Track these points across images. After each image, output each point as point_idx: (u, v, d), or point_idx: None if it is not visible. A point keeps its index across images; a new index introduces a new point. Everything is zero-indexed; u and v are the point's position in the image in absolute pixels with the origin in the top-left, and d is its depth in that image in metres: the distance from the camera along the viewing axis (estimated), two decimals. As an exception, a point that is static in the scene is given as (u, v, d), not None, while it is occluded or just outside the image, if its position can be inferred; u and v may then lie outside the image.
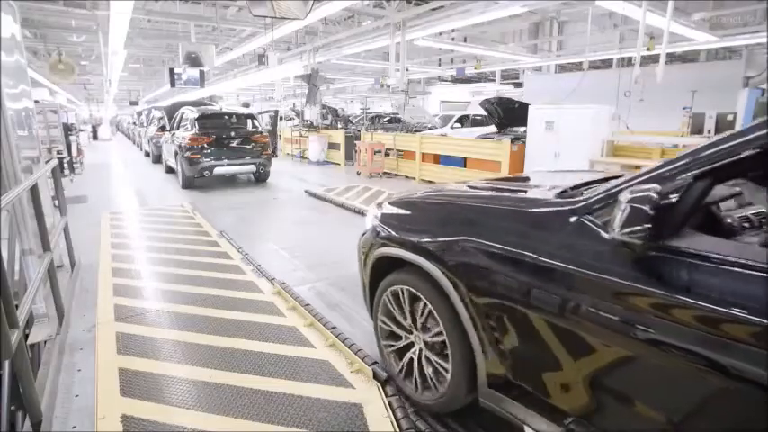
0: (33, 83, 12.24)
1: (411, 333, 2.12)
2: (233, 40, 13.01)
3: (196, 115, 8.36)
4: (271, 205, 7.11)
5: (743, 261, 1.07)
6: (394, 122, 15.65)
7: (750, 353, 0.99)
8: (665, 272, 1.19)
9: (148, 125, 14.15)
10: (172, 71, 10.72)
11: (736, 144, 1.16)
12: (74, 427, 1.98)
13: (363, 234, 2.40)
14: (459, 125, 13.59)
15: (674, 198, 1.21)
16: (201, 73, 10.97)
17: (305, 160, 12.73)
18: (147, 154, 13.41)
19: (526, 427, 1.63)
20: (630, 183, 1.33)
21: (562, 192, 1.71)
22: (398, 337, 2.19)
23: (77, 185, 8.38)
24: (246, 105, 26.03)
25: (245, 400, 2.07)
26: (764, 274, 1.02)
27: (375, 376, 2.21)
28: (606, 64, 13.34)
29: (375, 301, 2.30)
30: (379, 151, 9.77)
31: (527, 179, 2.43)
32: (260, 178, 8.89)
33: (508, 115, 9.14)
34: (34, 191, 2.67)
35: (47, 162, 3.62)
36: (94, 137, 21.86)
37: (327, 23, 11.16)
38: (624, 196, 1.23)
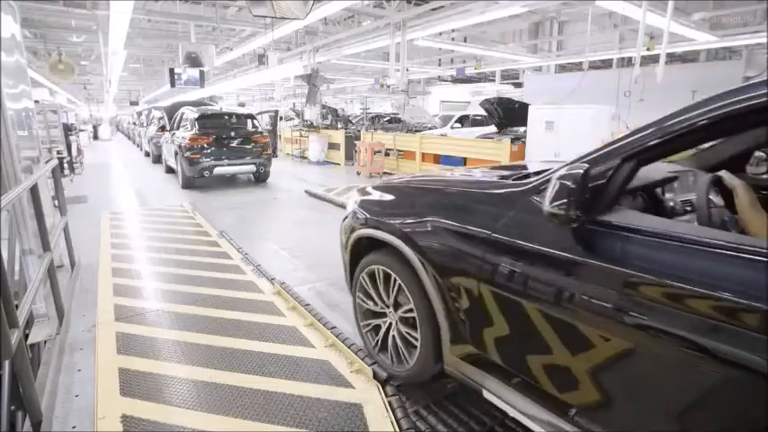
0: (33, 83, 12.24)
1: (386, 310, 2.28)
2: (233, 40, 13.02)
3: (196, 115, 8.36)
4: (271, 205, 7.11)
5: (664, 233, 1.24)
6: (394, 122, 15.65)
7: (664, 312, 1.16)
8: (598, 242, 1.36)
9: (148, 125, 14.15)
10: (172, 71, 10.73)
11: (654, 131, 1.33)
12: (74, 427, 1.98)
13: (345, 218, 2.56)
14: (459, 125, 13.59)
15: (604, 179, 1.39)
16: (201, 73, 10.97)
17: (305, 160, 12.73)
18: (147, 154, 13.41)
19: (484, 391, 1.81)
20: (567, 165, 1.47)
21: (524, 176, 1.84)
22: (374, 314, 2.36)
23: (77, 185, 8.38)
24: (242, 105, 26.06)
25: (245, 400, 2.07)
26: (682, 244, 1.19)
27: (375, 376, 2.21)
28: (606, 64, 13.34)
29: (354, 280, 2.46)
30: (379, 151, 9.77)
31: (520, 167, 2.49)
32: (260, 178, 8.89)
33: (508, 115, 9.15)
34: (34, 191, 2.67)
35: (47, 162, 3.62)
36: (95, 137, 21.87)
37: (327, 23, 11.16)
38: (555, 175, 1.41)
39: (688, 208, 1.75)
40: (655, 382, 1.23)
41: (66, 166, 8.61)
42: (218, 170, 8.09)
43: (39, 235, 2.82)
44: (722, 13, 9.10)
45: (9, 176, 2.76)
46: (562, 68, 15.11)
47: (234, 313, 2.96)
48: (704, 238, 1.17)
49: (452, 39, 12.01)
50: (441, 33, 10.43)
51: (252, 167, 8.47)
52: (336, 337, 2.57)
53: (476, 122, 13.56)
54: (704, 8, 8.91)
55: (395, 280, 2.13)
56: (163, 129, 10.91)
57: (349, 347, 2.45)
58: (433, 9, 8.19)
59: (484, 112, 10.13)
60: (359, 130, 12.08)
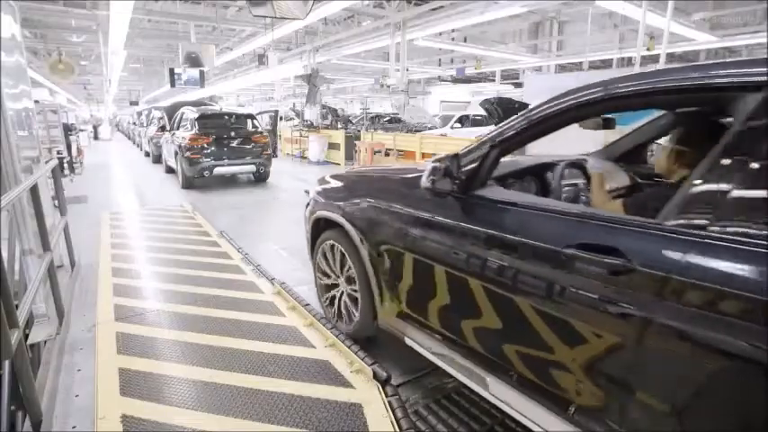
0: (33, 83, 12.24)
1: (338, 281, 2.72)
2: (233, 40, 13.03)
3: (196, 115, 8.36)
4: (271, 205, 7.11)
5: (516, 202, 1.66)
6: (394, 122, 15.65)
7: (519, 257, 1.55)
8: (473, 211, 1.78)
9: (148, 125, 14.15)
10: (172, 71, 10.73)
11: (508, 126, 1.76)
12: (74, 427, 1.98)
13: (307, 204, 2.95)
14: (459, 125, 13.59)
15: (477, 163, 1.79)
16: (201, 73, 10.98)
17: (305, 160, 12.74)
18: (147, 154, 13.40)
19: (406, 338, 2.24)
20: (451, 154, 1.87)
21: None
22: (330, 288, 2.82)
23: (77, 185, 8.38)
24: (240, 106, 26.06)
25: (245, 400, 2.07)
26: (527, 210, 1.60)
27: (375, 376, 2.21)
28: (606, 64, 13.34)
29: (314, 257, 2.90)
30: (379, 151, 9.78)
31: None
32: (260, 178, 8.89)
33: (508, 115, 9.09)
34: (34, 191, 2.67)
35: (47, 162, 3.62)
36: (95, 137, 21.89)
37: (327, 23, 11.17)
38: (431, 160, 1.89)
39: (568, 188, 2.21)
40: (511, 305, 1.60)
41: (66, 166, 8.61)
42: (218, 170, 8.09)
43: (39, 235, 2.82)
44: (722, 13, 9.10)
45: (9, 176, 2.76)
46: (562, 68, 15.11)
47: (234, 313, 2.96)
48: (541, 205, 1.60)
49: (452, 39, 12.03)
50: (441, 33, 10.44)
51: (252, 167, 8.47)
52: (336, 337, 2.57)
53: (476, 122, 13.56)
54: (704, 8, 8.92)
55: (342, 252, 2.57)
56: (163, 129, 10.90)
57: (349, 347, 2.45)
58: (433, 9, 8.20)
59: (484, 112, 10.12)
60: (359, 130, 12.09)
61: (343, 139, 11.66)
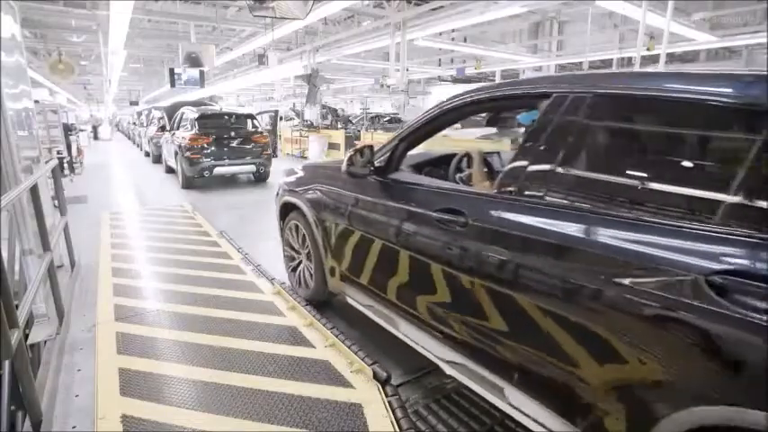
0: (33, 83, 12.24)
1: (299, 254, 3.24)
2: (233, 40, 13.03)
3: (196, 115, 8.36)
4: (271, 205, 7.06)
5: (416, 182, 2.18)
6: (394, 122, 15.65)
7: (419, 225, 2.01)
8: (387, 189, 2.29)
9: (148, 125, 14.15)
10: (172, 71, 10.73)
11: (410, 125, 2.28)
12: (74, 427, 1.98)
13: (277, 192, 3.43)
14: (459, 125, 13.57)
15: (390, 152, 2.33)
16: (201, 73, 10.98)
17: (305, 160, 12.75)
18: (147, 154, 13.40)
19: (347, 297, 2.74)
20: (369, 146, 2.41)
21: None
22: (293, 259, 3.36)
23: (77, 185, 8.38)
24: (240, 106, 26.04)
25: (246, 400, 2.07)
26: (423, 189, 2.10)
27: (375, 376, 2.21)
28: (606, 64, 13.34)
29: (282, 235, 3.43)
30: (379, 151, 9.76)
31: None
32: (260, 178, 8.89)
33: (509, 115, 9.13)
34: (34, 191, 2.67)
35: (47, 162, 3.62)
36: (95, 137, 21.89)
37: (327, 23, 11.17)
38: (350, 150, 2.36)
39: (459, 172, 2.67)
40: (410, 259, 2.10)
41: (66, 166, 8.61)
42: (218, 170, 8.09)
43: (39, 235, 2.82)
44: (722, 13, 9.10)
45: (9, 176, 2.76)
46: (562, 68, 15.10)
47: (234, 313, 2.96)
48: (427, 184, 2.13)
49: (452, 39, 12.03)
50: (441, 33, 10.44)
51: (252, 167, 8.47)
52: (336, 336, 2.57)
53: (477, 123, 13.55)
54: (704, 8, 8.92)
55: (300, 229, 3.11)
56: (163, 129, 10.90)
57: (349, 347, 2.45)
58: (433, 9, 8.20)
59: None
60: (359, 130, 12.08)
61: (343, 139, 11.66)
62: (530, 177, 1.62)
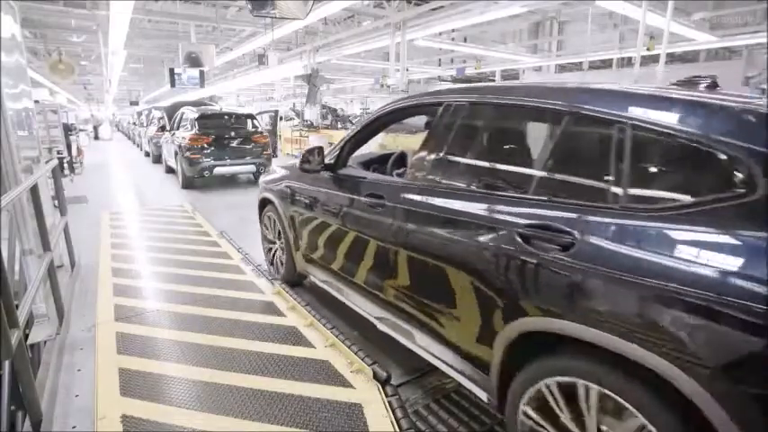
0: (33, 83, 12.23)
1: (275, 243, 3.66)
2: (233, 40, 13.02)
3: (196, 115, 8.35)
4: (271, 205, 7.09)
5: (358, 175, 2.58)
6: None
7: (359, 209, 2.43)
8: (338, 182, 2.69)
9: (148, 125, 14.14)
10: (172, 71, 10.72)
11: (352, 130, 2.77)
12: (74, 427, 1.98)
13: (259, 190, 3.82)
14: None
15: (339, 151, 2.79)
16: (201, 73, 10.96)
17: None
18: (147, 154, 13.39)
19: (311, 276, 3.17)
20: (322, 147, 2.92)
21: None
22: (270, 248, 3.76)
23: (77, 185, 8.38)
24: (240, 106, 26.01)
25: (246, 399, 2.07)
26: (361, 180, 2.50)
27: (375, 376, 2.21)
28: (606, 64, 13.34)
29: (261, 226, 3.84)
30: (379, 151, 9.76)
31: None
32: (260, 178, 8.87)
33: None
34: (34, 191, 2.67)
35: (47, 162, 3.62)
36: (96, 137, 21.89)
37: (327, 23, 11.17)
38: (305, 150, 2.86)
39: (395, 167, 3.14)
40: (353, 238, 2.54)
41: (66, 166, 8.60)
42: (218, 170, 8.08)
43: (39, 235, 2.82)
44: (722, 13, 9.10)
45: (9, 176, 2.76)
46: (562, 68, 15.09)
47: (234, 313, 2.96)
48: (363, 176, 2.55)
49: (452, 39, 12.02)
50: (441, 33, 10.44)
51: (252, 167, 8.46)
52: (336, 337, 2.57)
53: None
54: (704, 8, 8.91)
55: (274, 220, 3.52)
56: (163, 129, 10.89)
57: (349, 347, 2.45)
58: (433, 9, 8.20)
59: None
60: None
61: (344, 139, 11.64)
62: (426, 166, 2.10)
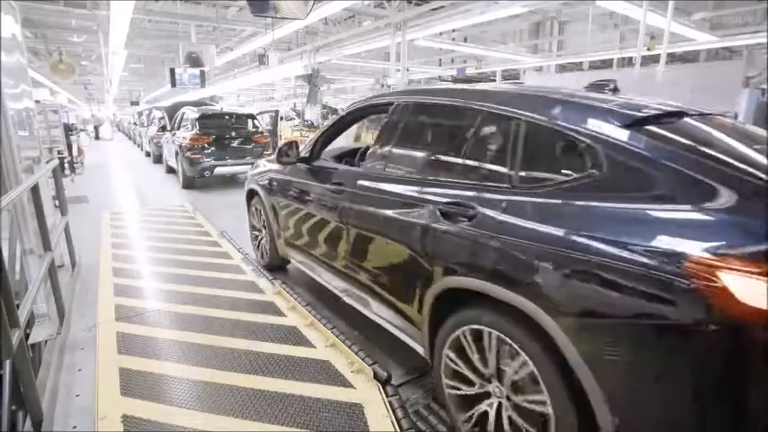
0: (34, 83, 12.22)
1: (261, 231, 3.90)
2: (233, 40, 13.03)
3: (197, 115, 8.35)
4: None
5: (328, 167, 2.89)
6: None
7: (329, 196, 2.69)
8: (312, 173, 3.00)
9: (149, 125, 14.14)
10: (173, 71, 10.72)
11: (324, 128, 3.14)
12: (74, 427, 1.98)
13: (246, 181, 4.14)
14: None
15: (313, 146, 3.13)
16: (202, 73, 10.97)
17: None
18: (148, 154, 13.39)
19: (291, 259, 3.52)
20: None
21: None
22: (257, 237, 4.03)
23: (78, 185, 8.38)
24: (240, 106, 26.01)
25: (246, 400, 2.07)
26: (330, 170, 2.83)
27: (375, 376, 2.21)
28: (606, 64, 13.33)
29: (249, 216, 4.17)
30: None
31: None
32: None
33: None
34: (35, 191, 2.67)
35: (48, 162, 3.62)
36: (96, 136, 21.91)
37: (328, 23, 11.17)
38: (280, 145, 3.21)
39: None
40: (323, 221, 2.82)
41: (66, 165, 8.61)
42: (218, 170, 8.08)
43: (40, 235, 2.82)
44: (722, 13, 9.09)
45: (10, 176, 2.76)
46: (562, 68, 15.09)
47: (234, 313, 2.96)
48: (332, 167, 2.89)
49: (453, 39, 12.02)
50: (441, 33, 10.43)
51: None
52: (337, 337, 2.57)
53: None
54: (704, 8, 8.91)
55: (259, 210, 3.83)
56: (163, 129, 10.89)
57: (349, 347, 2.45)
58: (434, 9, 8.20)
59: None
60: (359, 130, 12.05)
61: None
62: (376, 157, 2.46)
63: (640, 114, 1.54)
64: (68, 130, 8.88)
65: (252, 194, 3.95)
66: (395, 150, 2.37)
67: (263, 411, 1.99)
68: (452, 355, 1.84)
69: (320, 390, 2.14)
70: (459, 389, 1.85)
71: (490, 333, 1.67)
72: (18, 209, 2.81)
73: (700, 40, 9.31)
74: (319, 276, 3.05)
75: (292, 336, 2.67)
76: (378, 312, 2.42)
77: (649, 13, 6.87)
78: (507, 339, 1.59)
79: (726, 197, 1.23)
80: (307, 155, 3.13)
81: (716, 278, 1.12)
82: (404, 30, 8.73)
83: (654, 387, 1.26)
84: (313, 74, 12.35)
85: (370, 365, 2.27)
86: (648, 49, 8.62)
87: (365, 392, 2.12)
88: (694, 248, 1.17)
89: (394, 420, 1.93)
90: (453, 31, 10.95)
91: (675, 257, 1.18)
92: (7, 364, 1.98)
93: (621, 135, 1.47)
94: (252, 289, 3.39)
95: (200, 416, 1.96)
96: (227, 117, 8.98)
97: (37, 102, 6.67)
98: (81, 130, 12.60)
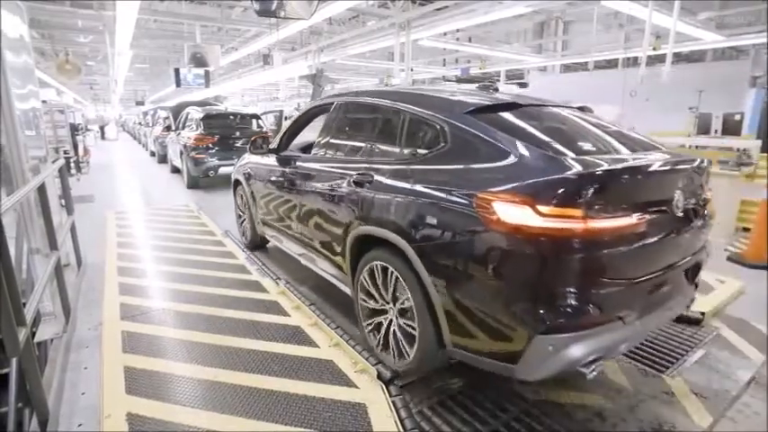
0: (41, 83, 12.28)
1: (244, 213, 4.49)
2: (238, 41, 13.07)
3: (201, 115, 8.39)
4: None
5: (291, 155, 3.51)
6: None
7: (288, 179, 3.37)
8: (281, 161, 3.55)
9: (154, 125, 14.20)
10: (177, 71, 10.77)
11: (288, 124, 3.80)
12: (80, 425, 2.00)
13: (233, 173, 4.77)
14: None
15: (281, 139, 3.74)
16: (207, 73, 11.00)
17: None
18: (153, 154, 13.46)
19: (266, 236, 4.09)
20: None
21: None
22: (241, 216, 4.64)
23: (84, 185, 8.44)
24: (244, 106, 26.03)
25: (250, 399, 2.08)
26: (293, 158, 3.42)
27: (379, 376, 2.21)
28: (611, 64, 13.27)
29: (234, 206, 4.80)
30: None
31: None
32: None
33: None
34: (42, 190, 2.69)
35: (54, 161, 3.65)
36: (102, 136, 22.03)
37: (332, 23, 11.18)
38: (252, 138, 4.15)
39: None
40: (289, 202, 3.38)
41: (72, 165, 8.66)
42: (223, 170, 8.10)
43: (46, 234, 2.84)
44: (728, 12, 9.02)
45: (17, 176, 2.79)
46: (567, 68, 15.05)
47: (238, 312, 2.97)
48: (294, 155, 3.47)
49: (457, 39, 12.00)
50: (445, 33, 10.41)
51: (256, 167, 8.47)
52: (340, 336, 2.57)
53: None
54: (710, 8, 8.85)
55: (242, 196, 4.41)
56: (168, 129, 10.94)
57: (353, 347, 2.45)
58: (438, 9, 8.19)
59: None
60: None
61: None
62: (320, 144, 3.17)
63: (475, 106, 2.20)
64: (74, 129, 8.93)
65: (237, 184, 4.55)
66: (331, 139, 3.10)
67: (266, 410, 2.00)
68: (364, 280, 2.50)
69: (324, 389, 2.15)
70: (367, 302, 2.53)
71: (384, 266, 2.32)
72: (25, 208, 2.84)
73: (706, 39, 9.24)
74: (282, 245, 3.74)
75: (296, 335, 2.67)
76: (321, 267, 3.09)
77: (655, 12, 6.83)
78: (390, 268, 2.26)
79: (511, 159, 1.85)
80: (275, 146, 3.73)
81: (490, 206, 1.77)
82: (408, 30, 8.72)
83: (466, 279, 1.88)
84: (317, 74, 12.35)
85: (373, 365, 2.27)
86: (654, 49, 8.56)
87: (369, 392, 2.12)
88: (481, 189, 1.82)
89: (397, 420, 1.93)
90: (457, 31, 10.93)
91: (471, 196, 1.84)
92: (14, 362, 2.00)
93: (459, 119, 2.12)
94: (256, 288, 3.40)
95: (204, 414, 1.97)
96: (231, 117, 9.01)
97: (44, 102, 6.72)
98: (87, 129, 12.66)
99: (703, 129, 7.23)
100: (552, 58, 13.21)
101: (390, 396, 2.09)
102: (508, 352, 1.78)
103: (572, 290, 1.68)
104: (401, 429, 1.88)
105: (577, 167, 1.70)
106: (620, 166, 1.82)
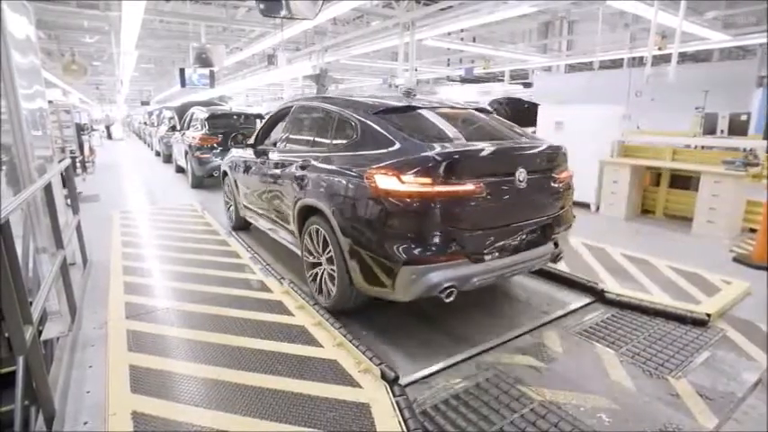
0: (47, 83, 12.35)
1: (230, 200, 5.23)
2: (243, 41, 13.09)
3: (206, 115, 8.41)
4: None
5: (266, 149, 4.28)
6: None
7: (269, 167, 4.00)
8: (259, 154, 4.29)
9: (159, 125, 14.26)
10: (182, 71, 10.80)
11: (263, 123, 4.74)
12: (85, 424, 2.01)
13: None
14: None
15: (259, 135, 4.64)
16: (211, 73, 11.03)
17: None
18: (158, 153, 13.52)
19: (247, 218, 4.83)
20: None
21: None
22: (227, 203, 5.39)
23: (90, 184, 8.49)
24: (248, 106, 26.09)
25: (254, 398, 2.08)
26: (270, 150, 4.13)
27: (383, 376, 2.21)
28: (616, 64, 13.20)
29: (223, 194, 5.58)
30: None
31: None
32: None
33: (518, 115, 9.09)
34: (48, 190, 2.71)
35: (60, 161, 3.67)
36: (108, 136, 22.16)
37: (336, 24, 11.18)
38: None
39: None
40: (264, 188, 4.09)
41: (78, 165, 8.72)
42: (227, 170, 8.13)
43: (52, 233, 2.86)
44: (735, 11, 8.95)
45: (24, 175, 2.81)
46: (572, 68, 14.98)
47: (243, 312, 2.98)
48: (269, 149, 4.17)
49: (461, 39, 11.97)
50: (449, 33, 10.39)
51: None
52: (344, 336, 2.58)
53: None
54: (717, 7, 8.79)
55: (228, 184, 5.16)
56: (173, 128, 10.98)
57: (357, 347, 2.45)
58: (442, 9, 8.17)
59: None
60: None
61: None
62: (282, 139, 3.95)
63: (381, 108, 3.03)
64: (80, 129, 8.97)
65: (225, 175, 5.29)
66: (289, 134, 3.91)
67: (270, 410, 2.00)
68: (306, 241, 3.25)
69: (327, 389, 2.15)
70: (308, 258, 3.27)
71: (317, 229, 3.04)
72: (31, 207, 2.86)
73: (712, 39, 9.17)
74: (257, 223, 4.51)
75: (300, 335, 2.68)
76: (282, 236, 3.86)
77: (660, 12, 6.79)
78: (321, 229, 2.99)
79: (396, 146, 2.65)
80: (252, 141, 4.55)
81: (372, 178, 2.55)
82: (412, 30, 8.71)
83: (359, 231, 2.64)
84: (321, 74, 12.37)
85: (377, 365, 2.27)
86: (660, 49, 8.50)
87: (372, 392, 2.12)
88: (371, 167, 2.61)
89: (401, 420, 1.93)
90: (462, 30, 10.90)
91: (364, 172, 2.62)
92: (20, 360, 2.01)
93: (369, 118, 2.93)
94: (260, 288, 3.41)
95: (209, 413, 1.98)
96: (235, 117, 9.03)
97: (50, 102, 6.76)
98: (93, 129, 12.73)
99: (709, 129, 7.17)
100: (557, 59, 13.16)
101: (394, 396, 2.09)
102: (387, 280, 2.50)
103: (426, 233, 2.43)
104: (405, 429, 1.88)
105: (430, 152, 2.47)
106: (461, 149, 2.59)
